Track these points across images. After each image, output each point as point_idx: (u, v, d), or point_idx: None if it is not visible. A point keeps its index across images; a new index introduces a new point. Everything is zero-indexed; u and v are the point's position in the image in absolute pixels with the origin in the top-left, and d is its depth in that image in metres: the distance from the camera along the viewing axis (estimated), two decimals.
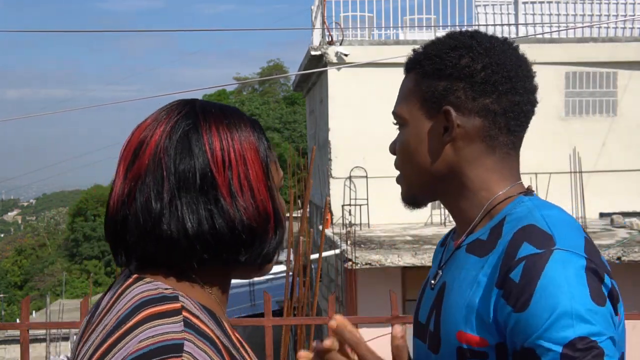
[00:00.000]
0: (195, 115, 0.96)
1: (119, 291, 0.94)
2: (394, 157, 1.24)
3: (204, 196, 0.93)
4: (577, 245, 1.04)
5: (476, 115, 1.13)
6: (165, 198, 0.92)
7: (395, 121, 1.22)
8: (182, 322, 0.87)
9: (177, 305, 0.89)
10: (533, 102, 1.17)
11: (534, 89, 1.17)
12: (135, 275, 0.95)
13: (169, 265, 0.94)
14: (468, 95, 1.13)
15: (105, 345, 0.86)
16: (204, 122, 0.96)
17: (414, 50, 1.22)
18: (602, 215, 11.40)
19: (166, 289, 0.92)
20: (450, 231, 1.34)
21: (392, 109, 1.23)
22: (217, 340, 0.90)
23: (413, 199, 1.23)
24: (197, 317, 0.90)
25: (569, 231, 1.07)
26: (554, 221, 1.08)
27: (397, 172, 1.24)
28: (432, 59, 1.15)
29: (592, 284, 1.00)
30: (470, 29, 1.32)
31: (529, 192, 1.17)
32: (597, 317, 0.98)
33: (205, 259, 0.93)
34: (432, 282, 1.22)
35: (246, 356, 0.97)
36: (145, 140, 0.95)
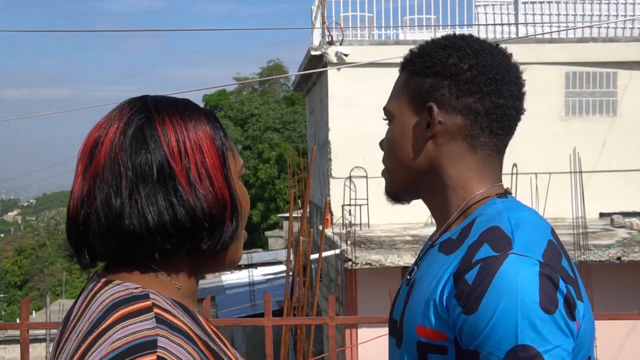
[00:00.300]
0: (148, 110, 0.97)
1: (89, 296, 0.94)
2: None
3: (163, 187, 0.93)
4: (535, 250, 1.04)
5: (458, 113, 1.16)
6: (124, 193, 0.93)
7: (385, 117, 1.27)
8: (153, 319, 0.87)
9: (148, 303, 0.90)
10: (518, 108, 1.19)
11: (520, 95, 1.19)
12: (103, 280, 0.95)
13: (134, 264, 0.95)
14: (452, 93, 1.15)
15: (80, 351, 0.86)
16: (156, 115, 0.96)
17: (410, 50, 1.26)
18: (602, 215, 11.40)
19: (136, 288, 0.92)
20: (434, 232, 1.34)
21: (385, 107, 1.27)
22: (192, 334, 0.90)
23: (395, 193, 1.27)
24: (170, 313, 0.90)
25: (531, 235, 1.07)
26: (518, 224, 1.08)
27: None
28: (423, 57, 1.19)
29: (544, 291, 0.99)
30: (467, 31, 1.35)
31: (505, 193, 1.18)
32: (545, 325, 0.98)
33: (168, 250, 0.94)
34: (408, 277, 1.24)
35: (224, 348, 0.98)
36: (99, 139, 0.96)
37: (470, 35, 1.21)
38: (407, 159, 1.20)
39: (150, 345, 0.83)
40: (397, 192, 1.27)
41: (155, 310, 0.89)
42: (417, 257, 1.30)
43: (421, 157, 1.19)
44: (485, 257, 1.03)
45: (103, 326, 0.87)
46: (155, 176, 0.93)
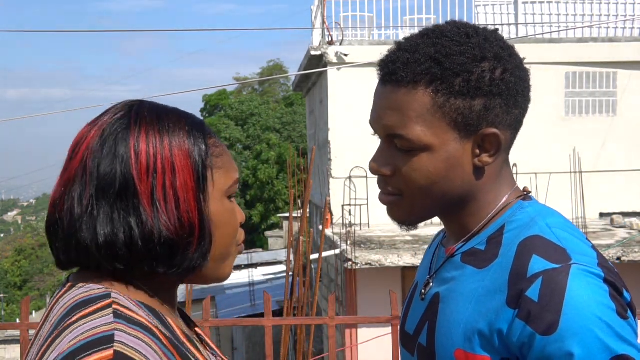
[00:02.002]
0: (129, 118, 0.92)
1: (54, 302, 0.93)
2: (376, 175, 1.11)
3: (123, 204, 0.89)
4: (591, 258, 1.00)
5: (508, 128, 1.06)
6: (84, 204, 0.89)
7: (402, 146, 1.05)
8: (111, 314, 0.85)
9: (108, 301, 0.87)
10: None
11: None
12: (69, 284, 0.93)
13: (107, 269, 0.91)
14: (504, 111, 1.04)
15: (39, 354, 0.85)
16: (134, 126, 0.91)
17: (406, 59, 1.04)
18: (602, 215, 11.40)
19: (99, 289, 0.89)
20: (439, 234, 1.28)
21: (387, 128, 1.06)
22: (153, 328, 0.88)
23: (416, 222, 1.13)
24: (130, 309, 0.88)
25: (578, 242, 1.02)
26: (561, 231, 1.03)
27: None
28: (461, 75, 1.01)
29: (614, 298, 0.97)
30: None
31: (526, 195, 1.12)
32: (626, 331, 0.96)
33: (120, 269, 0.89)
34: (423, 291, 1.15)
35: (196, 352, 0.94)
36: (81, 141, 0.93)
37: (481, 29, 1.08)
38: (451, 188, 1.06)
39: (107, 340, 0.81)
40: (420, 220, 1.12)
41: (114, 306, 0.86)
42: (426, 265, 1.22)
43: (467, 183, 1.06)
44: (544, 270, 0.97)
45: (61, 328, 0.85)
46: (117, 191, 0.89)
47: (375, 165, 1.09)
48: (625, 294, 1.00)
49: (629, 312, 0.98)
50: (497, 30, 1.10)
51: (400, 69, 1.04)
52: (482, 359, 1.00)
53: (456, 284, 1.07)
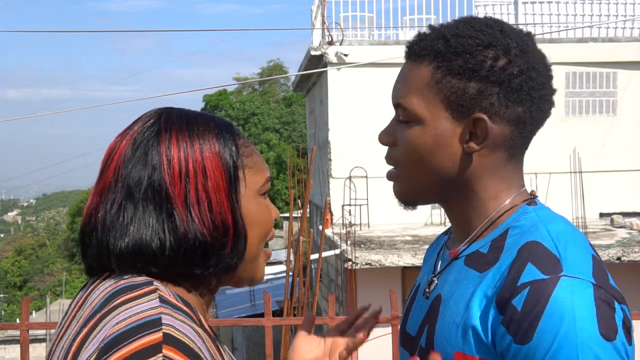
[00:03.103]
0: (159, 125, 0.94)
1: (91, 287, 0.94)
2: (385, 147, 1.14)
3: (157, 209, 0.90)
4: (585, 270, 0.97)
5: (507, 123, 1.04)
6: (119, 211, 0.91)
7: (401, 115, 1.09)
8: (157, 299, 0.86)
9: (152, 287, 0.89)
10: (552, 105, 1.10)
11: (554, 91, 1.10)
12: (106, 273, 0.94)
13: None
14: (502, 102, 1.03)
15: (81, 335, 0.86)
16: (164, 133, 0.93)
17: (424, 33, 1.09)
18: (602, 215, 11.40)
19: (141, 277, 0.91)
20: (443, 234, 1.27)
21: (395, 98, 1.10)
22: (194, 316, 0.90)
23: (412, 200, 1.13)
24: (171, 298, 0.89)
25: (576, 251, 1.00)
26: (560, 239, 1.01)
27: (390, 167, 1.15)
28: (462, 55, 1.03)
29: (602, 316, 0.93)
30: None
31: (532, 199, 1.10)
32: (606, 353, 0.92)
33: (154, 273, 0.91)
34: (427, 289, 1.15)
35: (222, 350, 0.96)
36: (114, 151, 0.95)
37: (502, 23, 1.07)
38: (438, 168, 1.07)
39: (155, 323, 0.82)
40: (416, 199, 1.13)
41: (159, 292, 0.88)
42: (429, 265, 1.22)
43: (456, 167, 1.06)
44: (533, 280, 0.95)
45: (105, 310, 0.86)
46: (150, 197, 0.91)
47: (381, 135, 1.13)
48: (619, 310, 0.95)
49: (619, 333, 0.93)
50: (529, 33, 1.09)
51: (416, 43, 1.08)
52: None
53: (457, 286, 1.07)
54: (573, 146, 11.42)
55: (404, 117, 1.08)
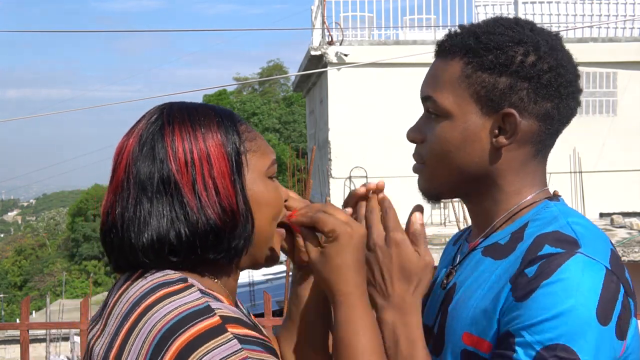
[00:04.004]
0: (162, 120, 0.98)
1: (125, 286, 0.96)
2: (413, 144, 1.15)
3: (168, 200, 0.94)
4: (603, 255, 0.98)
5: (535, 119, 1.06)
6: (132, 206, 0.95)
7: (430, 108, 1.10)
8: (198, 291, 0.91)
9: (188, 283, 0.92)
10: (579, 104, 1.12)
11: (581, 90, 1.12)
12: (139, 271, 0.96)
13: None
14: (531, 98, 1.04)
15: (124, 330, 0.89)
16: (167, 126, 0.97)
17: (454, 32, 1.11)
18: (602, 215, 11.39)
19: (174, 273, 0.94)
20: (464, 230, 1.29)
21: (424, 91, 1.11)
22: (233, 306, 0.95)
23: (436, 194, 1.15)
24: (208, 290, 0.94)
25: (596, 240, 1.01)
26: (580, 230, 1.02)
27: (409, 165, 1.18)
28: (492, 51, 1.04)
29: (604, 300, 0.93)
30: (520, 16, 1.24)
31: (555, 197, 1.12)
32: (594, 334, 0.92)
33: (173, 262, 0.94)
34: (445, 281, 1.17)
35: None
36: (123, 149, 0.98)
37: (533, 23, 1.10)
38: (466, 163, 1.08)
39: (207, 310, 0.88)
40: (440, 193, 1.14)
41: (197, 286, 0.92)
42: (447, 259, 1.23)
43: (483, 161, 1.07)
44: (548, 253, 0.97)
45: (147, 302, 0.89)
46: (161, 189, 0.94)
47: (409, 132, 1.15)
48: (622, 302, 0.95)
49: (612, 322, 0.93)
50: (558, 33, 1.11)
51: (446, 40, 1.11)
52: (487, 344, 1.01)
53: (473, 273, 1.09)
54: (573, 146, 11.42)
55: (433, 110, 1.09)
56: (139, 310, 0.89)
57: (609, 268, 0.96)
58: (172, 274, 0.94)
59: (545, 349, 0.92)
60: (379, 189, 1.10)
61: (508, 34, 1.05)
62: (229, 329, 0.86)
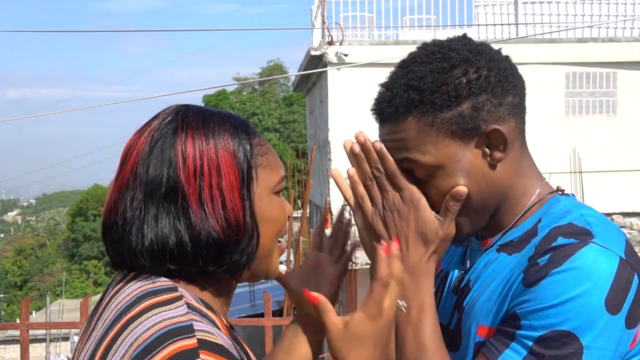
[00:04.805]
0: (176, 123, 0.96)
1: (117, 288, 0.95)
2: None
3: (172, 207, 0.92)
4: (617, 246, 0.98)
5: (509, 117, 1.07)
6: (136, 208, 0.92)
7: (418, 174, 1.08)
8: (185, 306, 0.88)
9: (177, 294, 0.90)
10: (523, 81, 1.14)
11: (516, 66, 1.14)
12: (133, 273, 0.95)
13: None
14: (494, 104, 1.05)
15: (108, 338, 0.87)
16: (181, 130, 0.95)
17: (385, 95, 1.10)
18: None
19: (165, 281, 0.92)
20: None
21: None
22: (218, 321, 0.92)
23: (469, 234, 1.13)
24: (195, 303, 0.91)
25: (610, 231, 1.01)
26: (594, 221, 1.02)
27: None
28: (437, 90, 1.04)
29: (615, 288, 0.94)
30: (467, 31, 1.26)
31: (563, 192, 1.13)
32: (602, 323, 0.93)
33: (171, 270, 0.92)
34: (457, 284, 1.17)
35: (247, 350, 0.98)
36: (132, 148, 0.96)
37: (457, 39, 1.11)
38: (479, 194, 1.07)
39: (187, 329, 0.84)
40: (473, 232, 1.13)
41: (185, 299, 0.90)
42: (450, 258, 1.23)
43: (491, 183, 1.07)
44: (561, 244, 0.98)
45: (132, 313, 0.87)
46: (166, 194, 0.92)
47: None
48: (635, 291, 0.96)
49: (622, 311, 0.94)
50: (464, 35, 1.12)
51: (386, 107, 1.10)
52: (494, 331, 1.02)
53: (487, 269, 1.10)
54: (573, 146, 11.41)
55: (423, 174, 1.08)
56: (123, 321, 0.87)
57: (624, 258, 0.97)
58: (163, 282, 0.92)
59: (549, 333, 0.93)
60: (362, 143, 1.14)
61: (437, 66, 1.05)
62: (202, 355, 0.82)
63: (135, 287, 0.92)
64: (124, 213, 0.93)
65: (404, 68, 1.10)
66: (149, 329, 0.84)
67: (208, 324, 0.88)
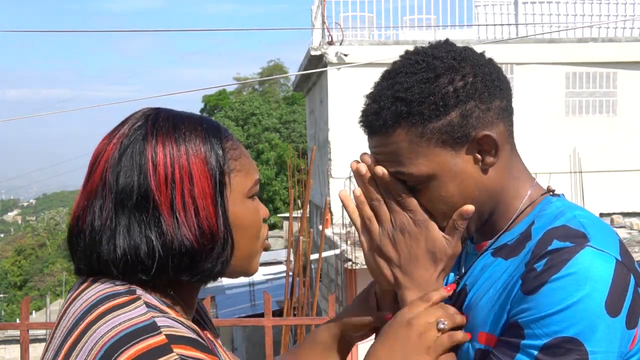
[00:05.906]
0: (146, 129, 0.93)
1: (75, 294, 0.93)
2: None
3: (143, 216, 0.89)
4: (612, 247, 0.99)
5: (497, 121, 1.07)
6: (105, 217, 0.90)
7: (415, 184, 1.08)
8: (144, 305, 0.86)
9: (135, 295, 0.88)
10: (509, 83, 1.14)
11: (501, 68, 1.14)
12: (91, 278, 0.93)
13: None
14: (482, 109, 1.05)
15: (67, 346, 0.85)
16: (151, 136, 0.92)
17: (372, 108, 1.09)
18: (602, 215, 11.39)
19: (123, 284, 0.90)
20: None
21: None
22: (180, 317, 0.90)
23: (465, 239, 1.15)
24: (156, 303, 0.89)
25: (604, 232, 1.02)
26: (588, 223, 1.03)
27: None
28: (425, 101, 1.04)
29: (614, 291, 0.94)
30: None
31: (554, 192, 1.13)
32: (604, 326, 0.93)
33: (143, 280, 0.90)
34: (453, 291, 1.16)
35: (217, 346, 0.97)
36: (101, 153, 0.93)
37: (440, 46, 1.10)
38: (475, 202, 1.07)
39: (152, 327, 0.82)
40: (469, 236, 1.15)
41: (144, 298, 0.88)
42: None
43: (484, 188, 1.08)
44: (557, 247, 0.98)
45: (90, 318, 0.85)
46: (137, 203, 0.89)
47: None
48: (632, 292, 0.97)
49: (623, 313, 0.95)
50: (447, 40, 1.12)
51: (374, 119, 1.08)
52: (495, 339, 1.03)
53: (483, 274, 1.10)
54: (573, 146, 11.42)
55: (416, 183, 1.08)
56: (82, 326, 0.85)
57: (619, 259, 0.97)
58: (120, 285, 0.89)
59: (553, 340, 0.94)
60: (367, 166, 1.13)
61: (423, 77, 1.05)
62: (175, 349, 0.80)
63: (93, 292, 0.89)
64: (92, 222, 0.90)
65: (389, 79, 1.09)
66: (109, 331, 0.82)
67: (170, 320, 0.86)
